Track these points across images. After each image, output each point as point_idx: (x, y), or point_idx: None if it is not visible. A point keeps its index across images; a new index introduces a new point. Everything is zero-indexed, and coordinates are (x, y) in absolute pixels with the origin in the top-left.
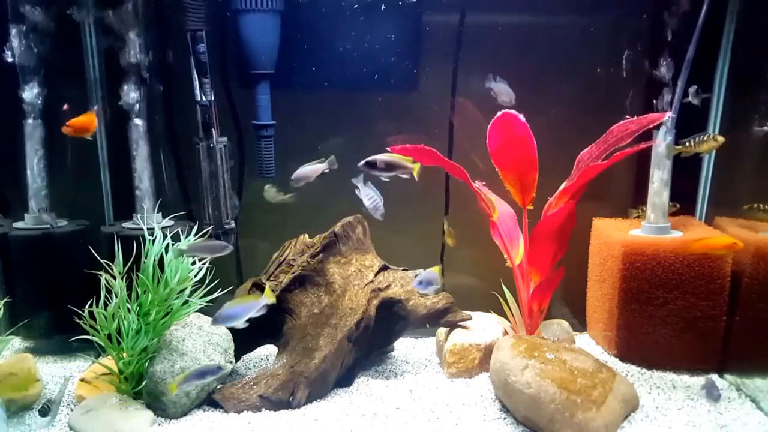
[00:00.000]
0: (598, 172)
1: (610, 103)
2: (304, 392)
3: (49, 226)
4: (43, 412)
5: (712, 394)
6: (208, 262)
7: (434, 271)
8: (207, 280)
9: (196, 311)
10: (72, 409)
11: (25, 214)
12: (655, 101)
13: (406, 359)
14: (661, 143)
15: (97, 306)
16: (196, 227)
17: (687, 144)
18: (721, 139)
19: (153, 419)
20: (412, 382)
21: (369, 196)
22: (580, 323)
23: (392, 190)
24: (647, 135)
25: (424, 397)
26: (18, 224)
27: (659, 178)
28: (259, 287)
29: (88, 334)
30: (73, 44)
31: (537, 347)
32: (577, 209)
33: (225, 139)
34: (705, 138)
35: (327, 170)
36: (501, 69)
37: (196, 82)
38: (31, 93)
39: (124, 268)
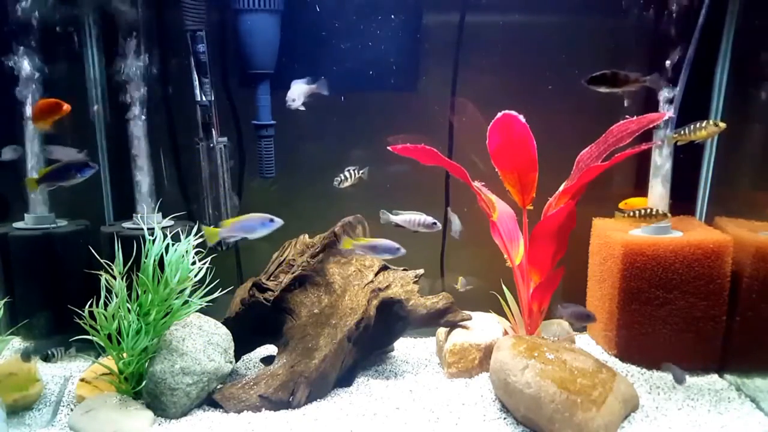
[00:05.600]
0: (598, 173)
1: (610, 103)
2: (304, 392)
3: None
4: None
5: (677, 377)
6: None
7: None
8: (207, 280)
9: (196, 311)
10: (72, 409)
11: (25, 214)
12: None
13: (406, 359)
14: (662, 143)
15: (97, 306)
16: (196, 227)
17: (682, 132)
18: (722, 124)
19: (153, 419)
20: (412, 382)
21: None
22: None
23: (392, 189)
24: (647, 135)
25: (424, 397)
26: (18, 224)
27: (659, 178)
28: (259, 288)
29: (89, 334)
30: (73, 43)
31: (537, 347)
32: (577, 209)
33: (225, 139)
34: (704, 124)
35: None
36: (500, 68)
37: (196, 82)
38: (30, 92)
39: (124, 268)
